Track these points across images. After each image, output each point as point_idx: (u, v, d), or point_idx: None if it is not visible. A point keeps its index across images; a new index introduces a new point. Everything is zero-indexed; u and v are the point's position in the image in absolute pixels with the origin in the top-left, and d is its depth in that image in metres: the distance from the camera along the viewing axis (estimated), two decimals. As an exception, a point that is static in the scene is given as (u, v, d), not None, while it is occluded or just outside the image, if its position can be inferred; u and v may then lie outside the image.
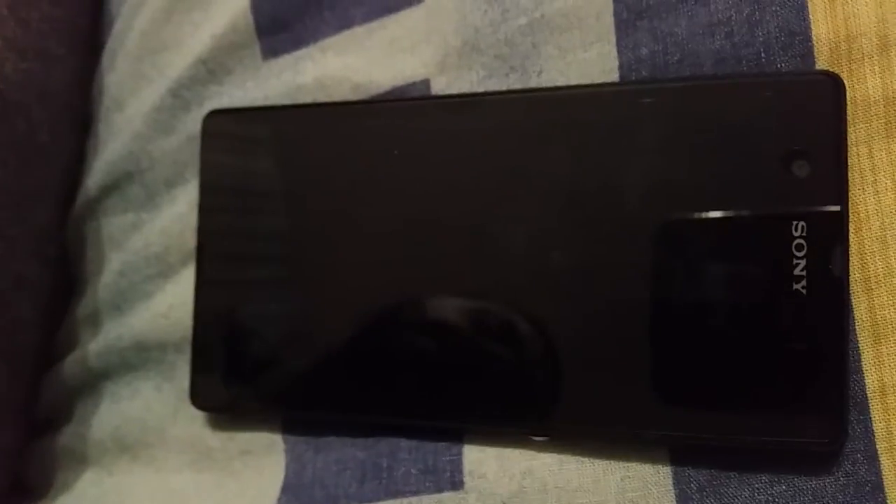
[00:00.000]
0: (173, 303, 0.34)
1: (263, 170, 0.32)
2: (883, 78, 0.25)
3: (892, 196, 0.25)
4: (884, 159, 0.25)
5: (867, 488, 0.24)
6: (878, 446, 0.25)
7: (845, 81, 0.25)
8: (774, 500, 0.25)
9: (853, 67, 0.26)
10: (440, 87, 0.31)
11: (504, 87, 0.30)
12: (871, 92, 0.25)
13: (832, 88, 0.25)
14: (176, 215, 0.35)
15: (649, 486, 0.26)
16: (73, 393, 0.37)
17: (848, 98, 0.25)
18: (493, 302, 0.28)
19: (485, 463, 0.28)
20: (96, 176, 0.37)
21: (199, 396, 0.33)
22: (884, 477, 0.24)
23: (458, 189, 0.28)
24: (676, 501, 0.26)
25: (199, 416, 0.34)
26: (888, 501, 0.24)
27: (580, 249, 0.27)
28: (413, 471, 0.29)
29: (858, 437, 0.25)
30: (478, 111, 0.29)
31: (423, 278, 0.29)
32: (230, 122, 0.33)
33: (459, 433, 0.29)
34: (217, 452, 0.33)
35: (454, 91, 0.31)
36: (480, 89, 0.30)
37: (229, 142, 0.33)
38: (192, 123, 0.35)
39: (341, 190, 0.30)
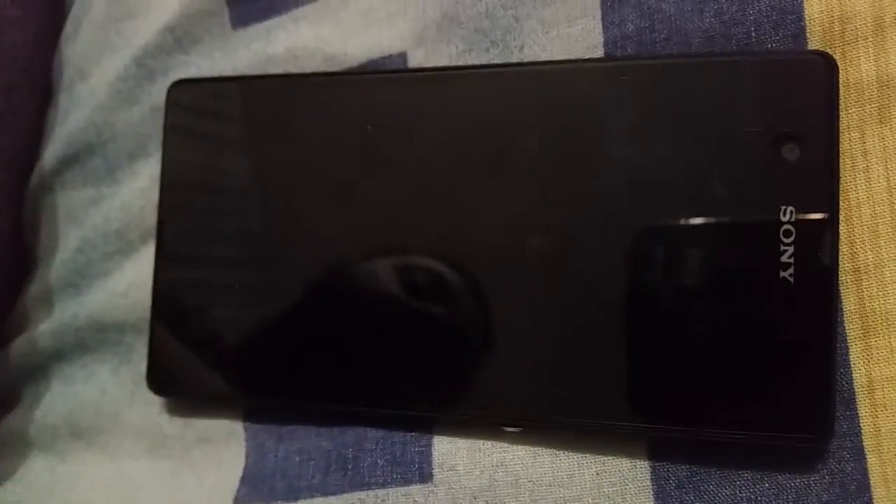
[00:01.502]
0: (132, 282, 0.33)
1: (229, 143, 0.30)
2: (877, 61, 0.24)
3: (885, 183, 0.24)
4: (876, 145, 0.24)
5: (853, 487, 0.24)
6: (865, 443, 0.24)
7: (838, 63, 0.24)
8: (757, 499, 0.24)
9: (846, 49, 0.25)
10: (417, 60, 0.30)
11: (484, 62, 0.29)
12: (864, 75, 0.25)
13: (825, 70, 0.24)
14: (137, 190, 0.33)
15: (626, 481, 0.25)
16: (24, 375, 0.36)
17: (840, 81, 0.24)
18: (467, 288, 0.27)
19: (455, 455, 0.27)
20: (55, 147, 0.36)
21: (157, 380, 0.31)
22: (870, 475, 0.24)
23: (433, 167, 0.27)
24: (654, 498, 0.25)
25: (156, 401, 0.32)
26: (874, 500, 0.24)
27: (558, 233, 0.26)
28: (380, 462, 0.28)
29: (845, 434, 0.24)
30: (456, 86, 0.27)
31: (394, 261, 0.28)
32: (196, 93, 0.31)
33: (429, 424, 0.28)
34: (174, 440, 0.32)
35: (432, 65, 0.29)
36: (459, 64, 0.29)
37: (194, 113, 0.31)
38: (157, 94, 0.33)
39: (310, 166, 0.29)
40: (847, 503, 0.24)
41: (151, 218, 0.32)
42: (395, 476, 0.28)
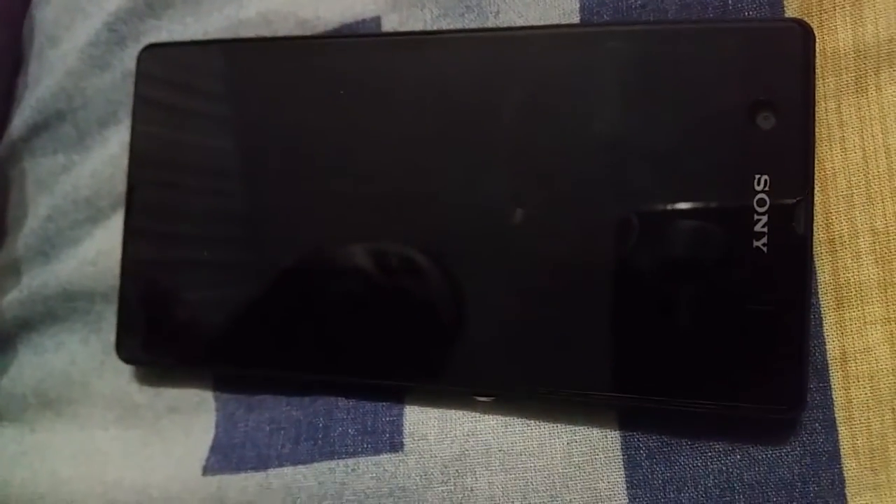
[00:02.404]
0: (102, 249, 0.32)
1: (200, 109, 0.30)
2: (854, 29, 0.24)
3: (860, 154, 0.24)
4: (852, 115, 0.24)
5: (824, 458, 0.24)
6: (836, 415, 0.24)
7: (815, 31, 0.24)
8: (728, 470, 0.24)
9: (824, 18, 0.25)
10: (391, 24, 0.29)
11: (459, 27, 0.28)
12: (841, 44, 0.24)
13: (801, 38, 0.23)
14: (108, 157, 0.33)
15: (596, 450, 0.25)
16: None
17: (817, 49, 0.24)
18: (438, 256, 0.26)
19: (426, 424, 0.27)
20: (25, 114, 0.35)
21: (126, 349, 0.31)
22: (841, 447, 0.24)
23: (407, 133, 0.27)
24: (624, 467, 0.25)
25: (126, 370, 0.32)
26: (844, 472, 0.24)
27: (530, 203, 0.25)
28: (350, 431, 0.28)
29: (817, 406, 0.24)
30: (430, 51, 0.27)
31: (365, 229, 0.27)
32: (166, 58, 0.31)
33: (400, 393, 0.28)
34: (144, 409, 0.31)
35: (406, 29, 0.29)
36: (434, 28, 0.29)
37: (165, 78, 0.30)
38: (129, 60, 0.33)
39: (282, 132, 0.28)
40: (818, 474, 0.24)
41: (122, 185, 0.32)
42: (365, 445, 0.27)
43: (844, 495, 0.24)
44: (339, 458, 0.27)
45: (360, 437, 0.27)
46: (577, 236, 0.25)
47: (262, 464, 0.28)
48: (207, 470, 0.29)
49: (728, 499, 0.24)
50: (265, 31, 0.31)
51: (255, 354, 0.29)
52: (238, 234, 0.29)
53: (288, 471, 0.28)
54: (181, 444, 0.30)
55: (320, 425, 0.28)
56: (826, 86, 0.24)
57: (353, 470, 0.27)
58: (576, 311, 0.25)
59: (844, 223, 0.24)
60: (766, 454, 0.24)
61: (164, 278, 0.30)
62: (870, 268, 0.24)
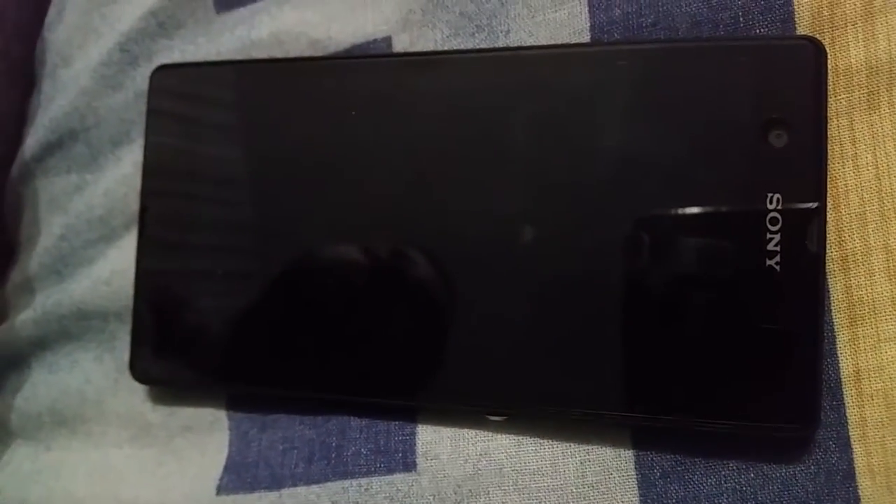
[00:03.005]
0: (115, 269, 0.33)
1: (212, 128, 0.30)
2: (866, 46, 0.24)
3: (873, 171, 0.24)
4: (865, 132, 0.24)
5: (838, 477, 0.24)
6: (851, 434, 0.24)
7: (827, 49, 0.24)
8: (742, 489, 0.24)
9: (836, 34, 0.24)
10: (402, 45, 0.29)
11: (469, 47, 0.28)
12: (853, 61, 0.24)
13: (813, 55, 0.23)
14: (121, 176, 0.33)
15: (610, 470, 0.25)
16: (7, 363, 0.36)
17: (829, 66, 0.24)
18: (450, 276, 0.26)
19: (439, 444, 0.27)
20: (38, 133, 0.35)
21: (140, 368, 0.31)
22: (856, 465, 0.24)
23: (418, 153, 0.27)
24: (638, 487, 0.25)
25: (139, 389, 0.32)
26: (860, 490, 0.23)
27: (542, 220, 0.25)
28: (364, 451, 0.28)
29: (831, 424, 0.24)
30: (442, 71, 0.27)
31: (380, 249, 0.27)
32: (179, 78, 0.31)
33: (413, 413, 0.28)
34: (158, 428, 0.32)
35: (417, 50, 0.29)
36: (445, 48, 0.29)
37: (177, 98, 0.31)
38: (141, 80, 0.33)
39: (293, 151, 0.28)
40: (832, 493, 0.24)
41: (135, 204, 0.32)
42: (378, 465, 0.27)
43: None
44: (352, 478, 0.28)
45: (373, 457, 0.27)
46: (590, 254, 0.25)
47: (275, 483, 0.28)
48: (221, 489, 0.29)
49: None
50: (277, 52, 0.31)
51: (268, 374, 0.29)
52: (251, 256, 0.29)
53: (301, 490, 0.28)
54: (195, 463, 0.30)
55: (333, 444, 0.28)
56: (838, 103, 0.24)
57: (366, 489, 0.27)
58: (588, 329, 0.25)
59: (857, 241, 0.24)
60: (780, 472, 0.24)
61: (176, 298, 0.30)
62: (883, 285, 0.24)
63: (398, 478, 0.27)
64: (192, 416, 0.31)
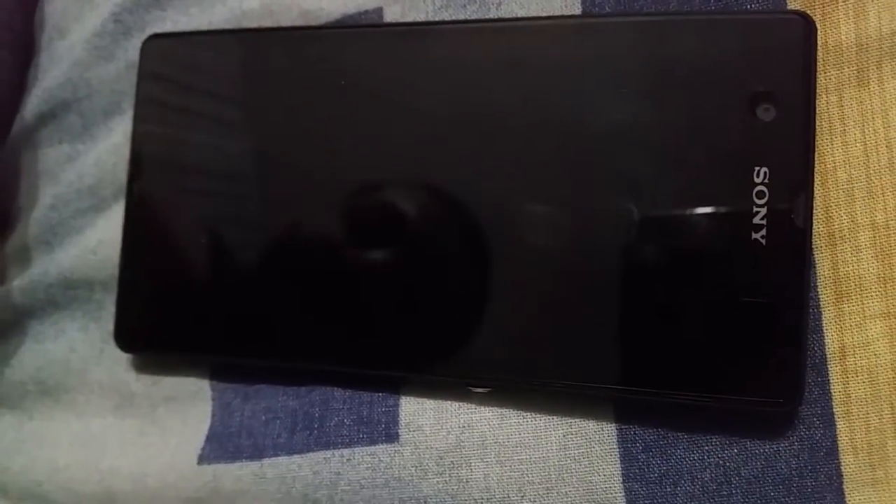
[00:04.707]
0: (103, 238, 0.32)
1: (201, 98, 0.30)
2: (857, 23, 0.24)
3: (861, 147, 0.24)
4: (854, 109, 0.24)
5: (822, 453, 0.24)
6: (835, 410, 0.24)
7: (817, 24, 0.24)
8: (725, 464, 0.24)
9: (826, 10, 0.25)
10: (393, 15, 0.29)
11: (461, 18, 0.28)
12: (843, 37, 0.24)
13: (803, 29, 0.23)
14: (112, 146, 0.33)
15: (592, 443, 0.25)
16: None
17: (820, 42, 0.24)
18: (435, 246, 0.26)
19: (422, 415, 0.27)
20: (33, 104, 0.35)
21: (125, 338, 0.31)
22: (839, 442, 0.24)
23: (409, 124, 0.27)
24: (620, 461, 0.25)
25: (123, 358, 0.32)
26: (843, 467, 0.23)
27: (528, 191, 0.25)
28: (346, 421, 0.28)
29: (815, 400, 0.24)
30: (432, 42, 0.27)
31: (363, 219, 0.27)
32: (170, 48, 0.31)
33: (396, 384, 0.28)
34: (141, 398, 0.31)
35: (408, 20, 0.29)
36: (436, 19, 0.29)
37: (168, 68, 0.31)
38: (133, 50, 0.33)
39: (283, 122, 0.28)
40: (815, 469, 0.24)
41: (124, 175, 0.32)
42: (361, 435, 0.27)
43: (842, 491, 0.23)
44: (334, 448, 0.27)
45: (355, 428, 0.27)
46: (575, 225, 0.25)
47: (257, 453, 0.28)
48: (203, 459, 0.29)
49: (725, 493, 0.24)
50: (268, 22, 0.31)
51: (251, 343, 0.28)
52: (236, 224, 0.29)
53: (283, 460, 0.28)
54: (177, 433, 0.30)
55: (316, 415, 0.28)
56: (828, 79, 0.24)
57: (348, 460, 0.27)
58: (572, 302, 0.25)
59: (844, 217, 0.24)
60: (763, 448, 0.24)
61: (162, 268, 0.30)
62: (870, 262, 0.24)
63: (380, 448, 0.27)
64: (176, 386, 0.31)
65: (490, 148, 0.26)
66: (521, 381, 0.25)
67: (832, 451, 0.23)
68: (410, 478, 0.26)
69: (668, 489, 0.24)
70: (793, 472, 0.24)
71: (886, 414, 0.23)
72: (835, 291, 0.24)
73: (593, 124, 0.25)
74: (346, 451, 0.27)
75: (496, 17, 0.28)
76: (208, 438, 0.29)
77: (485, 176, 0.26)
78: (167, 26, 0.33)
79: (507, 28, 0.26)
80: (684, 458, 0.24)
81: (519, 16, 0.28)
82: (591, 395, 0.25)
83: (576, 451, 0.25)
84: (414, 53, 0.27)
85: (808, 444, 0.24)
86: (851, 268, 0.24)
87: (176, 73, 0.30)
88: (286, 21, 0.30)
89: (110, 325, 0.31)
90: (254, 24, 0.31)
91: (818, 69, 0.24)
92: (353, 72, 0.27)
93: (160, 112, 0.30)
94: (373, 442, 0.27)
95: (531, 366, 0.25)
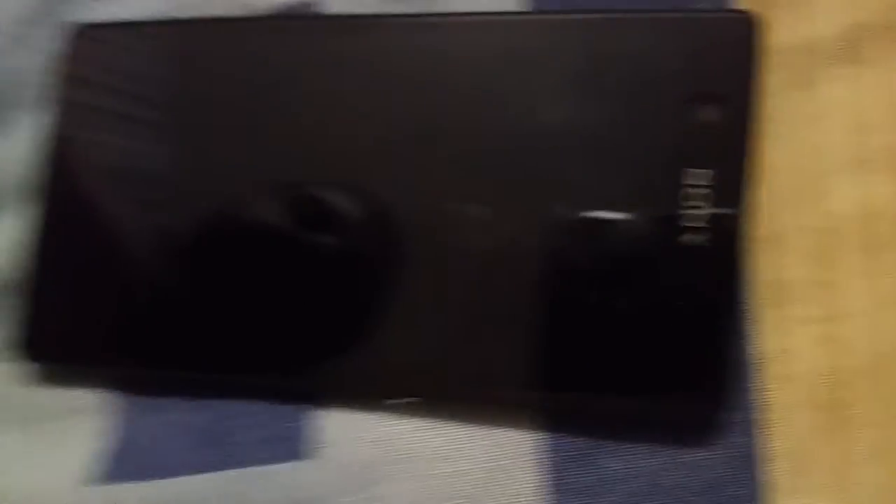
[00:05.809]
0: (3, 242, 0.30)
1: (131, 92, 0.28)
2: (804, 26, 0.25)
3: (803, 152, 0.24)
4: (797, 112, 0.24)
5: (745, 461, 0.23)
6: (758, 417, 0.23)
7: (763, 25, 0.23)
8: (652, 473, 0.23)
9: (773, 12, 0.25)
10: (333, 6, 0.28)
11: (402, 11, 0.28)
12: (786, 39, 0.24)
13: (747, 29, 0.23)
14: (21, 142, 0.31)
15: (517, 455, 0.24)
16: None
17: (766, 44, 0.24)
18: (350, 251, 0.25)
19: (334, 430, 0.25)
20: None
21: (27, 346, 0.28)
22: (762, 450, 0.23)
23: (346, 118, 0.26)
24: (547, 471, 0.24)
25: (26, 368, 0.29)
26: (765, 475, 0.23)
27: (454, 192, 0.24)
28: (254, 438, 0.26)
29: (739, 407, 0.23)
30: (372, 34, 0.26)
31: (279, 226, 0.26)
32: (98, 38, 0.29)
33: (308, 397, 0.26)
34: (34, 409, 0.29)
35: (348, 12, 0.28)
36: (377, 12, 0.28)
37: (95, 59, 0.29)
38: (55, 40, 0.31)
39: (214, 116, 0.27)
40: (741, 477, 0.23)
41: (31, 174, 0.30)
42: (269, 453, 0.25)
43: (765, 499, 0.23)
44: (240, 467, 0.26)
45: (264, 445, 0.26)
46: (500, 231, 0.24)
47: (157, 472, 0.26)
48: (98, 478, 0.27)
49: (652, 502, 0.23)
50: (206, 11, 0.29)
51: (155, 354, 0.27)
52: (146, 231, 0.27)
53: (185, 480, 0.26)
54: (69, 449, 0.28)
55: (223, 431, 0.26)
56: (771, 81, 0.24)
57: (258, 478, 0.25)
58: (493, 309, 0.24)
59: (780, 221, 0.24)
60: (689, 456, 0.23)
61: (68, 275, 0.28)
62: (802, 267, 0.24)
63: (290, 466, 0.25)
64: (78, 398, 0.28)
65: (421, 146, 0.25)
66: (440, 390, 0.24)
67: (755, 460, 0.23)
68: (323, 497, 0.25)
69: (596, 499, 0.23)
70: (719, 479, 0.23)
71: (809, 422, 0.23)
72: (762, 296, 0.24)
73: (532, 124, 0.24)
74: (254, 470, 0.25)
75: (437, 11, 0.27)
76: (104, 455, 0.27)
77: (406, 176, 0.25)
78: (98, 14, 0.31)
79: (447, 23, 0.26)
80: (611, 468, 0.24)
81: (462, 11, 0.27)
82: (515, 403, 0.24)
83: (500, 463, 0.24)
84: (353, 47, 0.26)
85: (732, 452, 0.23)
86: (783, 272, 0.24)
87: (103, 65, 0.29)
88: (224, 10, 0.29)
89: (11, 333, 0.29)
90: (191, 14, 0.29)
91: (764, 71, 0.23)
92: (288, 64, 0.27)
93: (83, 105, 0.29)
94: (282, 459, 0.25)
95: (451, 375, 0.24)
